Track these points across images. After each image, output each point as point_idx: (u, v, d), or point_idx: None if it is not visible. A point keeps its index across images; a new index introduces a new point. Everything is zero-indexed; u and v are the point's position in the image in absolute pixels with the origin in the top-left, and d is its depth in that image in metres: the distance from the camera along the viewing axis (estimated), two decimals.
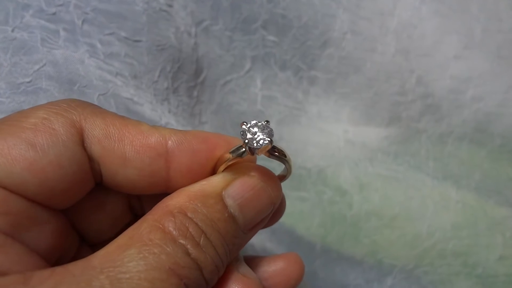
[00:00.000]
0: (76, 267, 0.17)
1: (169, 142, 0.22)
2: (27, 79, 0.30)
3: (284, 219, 0.40)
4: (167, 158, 0.22)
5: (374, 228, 0.42)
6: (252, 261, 0.26)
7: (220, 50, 0.41)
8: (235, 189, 0.21)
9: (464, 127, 0.45)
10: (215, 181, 0.21)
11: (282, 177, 0.24)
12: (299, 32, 0.42)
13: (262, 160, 0.23)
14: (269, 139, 0.20)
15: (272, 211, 0.23)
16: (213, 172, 0.23)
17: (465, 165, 0.45)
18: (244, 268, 0.23)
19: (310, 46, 0.43)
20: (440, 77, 0.44)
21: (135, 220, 0.25)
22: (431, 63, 0.44)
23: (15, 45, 0.30)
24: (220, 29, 0.40)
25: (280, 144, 0.23)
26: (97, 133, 0.21)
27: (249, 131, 0.20)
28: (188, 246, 0.19)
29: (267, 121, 0.21)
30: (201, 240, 0.19)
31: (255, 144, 0.20)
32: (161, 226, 0.19)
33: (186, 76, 0.39)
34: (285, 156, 0.22)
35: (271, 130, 0.21)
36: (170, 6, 0.37)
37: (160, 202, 0.21)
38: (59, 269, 0.17)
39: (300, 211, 0.42)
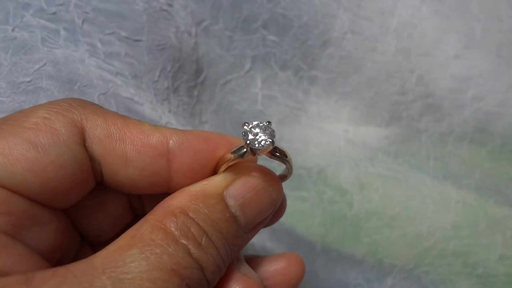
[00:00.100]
0: (78, 268, 0.17)
1: (171, 141, 0.22)
2: (28, 79, 0.30)
3: (284, 218, 0.40)
4: (168, 158, 0.22)
5: (374, 228, 0.42)
6: (253, 261, 0.26)
7: (220, 50, 0.41)
8: (236, 189, 0.21)
9: (464, 126, 0.45)
10: (217, 181, 0.22)
11: (283, 177, 0.24)
12: (299, 31, 0.42)
13: (263, 160, 0.23)
14: (270, 140, 0.20)
15: (273, 211, 0.23)
16: (214, 172, 0.23)
17: (466, 164, 0.45)
18: (245, 268, 0.23)
19: (311, 45, 0.43)
20: (440, 77, 0.44)
21: (136, 219, 0.24)
22: (432, 62, 0.44)
23: (16, 44, 0.30)
24: (220, 29, 0.40)
25: (281, 144, 0.23)
26: (98, 132, 0.21)
27: (250, 131, 0.20)
28: (190, 246, 0.19)
29: (269, 122, 0.21)
30: (203, 240, 0.19)
31: (256, 145, 0.20)
32: (163, 226, 0.19)
33: (187, 76, 0.39)
34: (286, 157, 0.22)
35: (273, 131, 0.21)
36: (171, 5, 0.37)
37: (161, 202, 0.21)
38: (60, 270, 0.17)
39: (301, 211, 0.42)
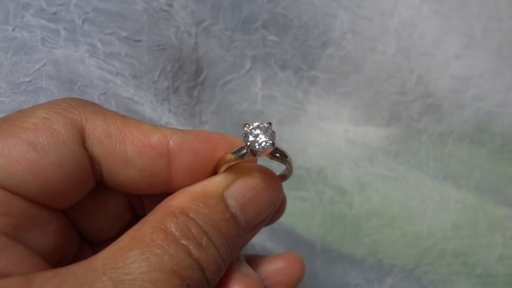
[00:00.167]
0: (78, 269, 0.17)
1: (171, 142, 0.22)
2: (28, 79, 0.30)
3: (284, 218, 0.40)
4: (168, 158, 0.22)
5: (374, 228, 0.42)
6: (253, 261, 0.26)
7: (220, 50, 0.41)
8: (236, 190, 0.21)
9: (464, 126, 0.45)
10: (217, 182, 0.22)
11: (283, 177, 0.24)
12: (299, 31, 0.42)
13: (263, 160, 0.23)
14: (271, 142, 0.20)
15: (273, 211, 0.23)
16: (215, 172, 0.23)
17: (466, 164, 0.45)
18: (246, 268, 0.23)
19: (311, 45, 0.43)
20: (440, 77, 0.44)
21: (135, 219, 0.24)
22: (432, 62, 0.44)
23: (16, 44, 0.30)
24: (220, 29, 0.40)
25: (280, 144, 0.23)
26: (98, 133, 0.21)
27: (251, 133, 0.20)
28: (190, 247, 0.19)
29: (270, 123, 0.21)
30: (203, 241, 0.19)
31: (257, 147, 0.20)
32: (163, 227, 0.19)
33: (187, 76, 0.39)
34: (287, 157, 0.22)
35: (273, 132, 0.21)
36: (171, 5, 0.37)
37: (161, 202, 0.21)
38: (61, 271, 0.17)
39: (300, 211, 0.42)
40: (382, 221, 0.42)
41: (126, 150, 0.21)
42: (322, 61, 0.43)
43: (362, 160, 0.44)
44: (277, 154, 0.21)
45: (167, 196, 0.21)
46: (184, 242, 0.19)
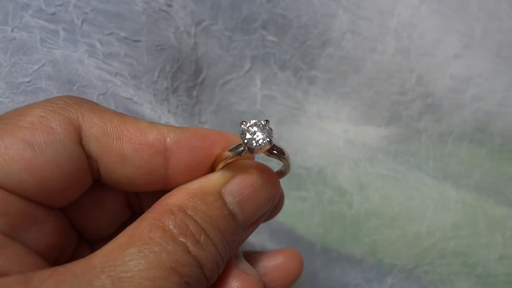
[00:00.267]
0: (77, 267, 0.17)
1: (168, 139, 0.22)
2: (27, 79, 0.30)
3: (284, 218, 0.40)
4: (165, 155, 0.22)
5: (374, 228, 0.42)
6: (251, 257, 0.26)
7: (219, 50, 0.41)
8: (234, 186, 0.21)
9: (464, 126, 0.45)
10: (214, 179, 0.22)
11: (281, 174, 0.24)
12: (298, 32, 0.42)
13: (260, 157, 0.23)
14: (268, 139, 0.20)
15: (271, 208, 0.23)
16: (212, 169, 0.23)
17: (465, 164, 0.45)
18: (244, 264, 0.23)
19: (310, 46, 0.43)
20: (440, 77, 0.44)
21: (133, 217, 0.24)
22: (431, 62, 0.44)
23: (15, 45, 0.30)
24: (219, 29, 0.40)
25: (280, 144, 0.23)
26: (95, 131, 0.21)
27: (248, 130, 0.20)
28: (189, 244, 0.19)
29: (267, 121, 0.21)
30: (201, 238, 0.19)
31: (254, 144, 0.20)
32: (161, 224, 0.19)
33: (186, 76, 0.39)
34: (284, 154, 0.22)
35: (271, 129, 0.21)
36: (170, 6, 0.37)
37: (159, 200, 0.21)
38: (60, 269, 0.17)
39: (300, 211, 0.42)
40: (381, 221, 0.42)
41: (123, 148, 0.21)
42: (321, 61, 0.43)
43: (361, 160, 0.44)
44: (274, 151, 0.21)
45: (164, 194, 0.21)
46: (182, 239, 0.19)
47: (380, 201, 0.43)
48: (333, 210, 0.42)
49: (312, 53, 0.43)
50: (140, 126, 0.21)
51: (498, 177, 0.45)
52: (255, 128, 0.20)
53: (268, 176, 0.22)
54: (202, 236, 0.19)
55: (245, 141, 0.20)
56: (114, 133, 0.21)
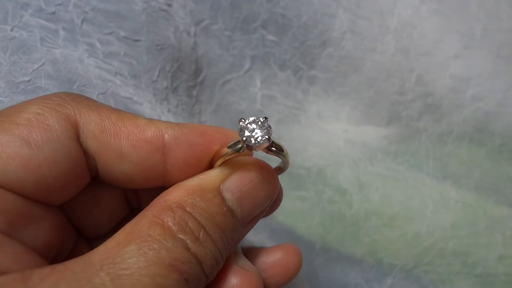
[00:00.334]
0: (76, 264, 0.17)
1: (166, 136, 0.21)
2: (26, 78, 0.30)
3: (283, 218, 0.40)
4: (163, 152, 0.21)
5: (374, 228, 0.42)
6: (250, 253, 0.26)
7: (219, 50, 0.41)
8: (233, 183, 0.21)
9: (464, 126, 0.45)
10: (213, 175, 0.21)
11: (279, 170, 0.24)
12: (298, 31, 0.42)
13: (259, 153, 0.23)
14: (267, 137, 0.20)
15: (270, 204, 0.23)
16: (210, 166, 0.23)
17: (465, 164, 0.45)
18: (243, 261, 0.23)
19: (310, 45, 0.43)
20: (440, 77, 0.44)
21: (132, 213, 0.24)
22: (431, 62, 0.44)
23: (14, 44, 0.30)
24: (219, 29, 0.40)
25: (278, 141, 0.23)
26: (93, 127, 0.21)
27: (247, 128, 0.20)
28: (188, 241, 0.19)
29: (266, 118, 0.21)
30: (200, 235, 0.19)
31: (253, 142, 0.20)
32: (160, 221, 0.19)
33: (186, 76, 0.39)
34: (283, 151, 0.22)
35: (269, 126, 0.20)
36: (170, 5, 0.37)
37: (158, 197, 0.21)
38: (59, 267, 0.17)
39: (300, 211, 0.42)
40: (381, 221, 0.42)
41: (121, 145, 0.21)
42: (321, 61, 0.43)
43: (361, 160, 0.44)
44: (273, 148, 0.21)
45: (163, 190, 0.21)
46: (181, 236, 0.19)
47: (380, 201, 0.43)
48: (333, 210, 0.42)
49: (312, 53, 0.43)
50: (138, 123, 0.21)
51: (498, 177, 0.45)
52: (253, 126, 0.20)
53: (266, 172, 0.22)
54: (201, 233, 0.19)
55: (244, 138, 0.20)
56: (112, 130, 0.21)
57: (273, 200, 0.23)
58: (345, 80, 0.44)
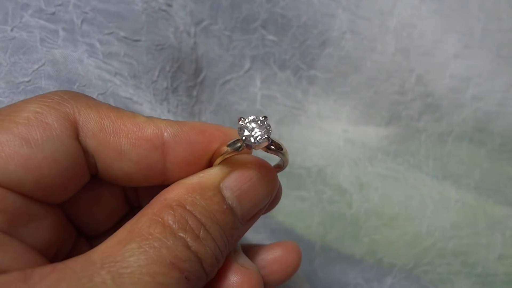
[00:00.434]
0: (76, 263, 0.17)
1: (165, 134, 0.21)
2: (26, 79, 0.30)
3: (283, 218, 0.40)
4: (163, 150, 0.21)
5: (373, 227, 0.42)
6: (250, 250, 0.26)
7: (219, 50, 0.41)
8: (232, 181, 0.21)
9: (464, 126, 0.45)
10: (213, 173, 0.21)
11: (279, 168, 0.24)
12: (298, 31, 0.42)
13: (258, 151, 0.23)
14: (266, 136, 0.20)
15: (269, 202, 0.23)
16: (210, 164, 0.23)
17: (465, 164, 0.45)
18: (243, 259, 0.23)
19: (310, 45, 0.43)
20: (440, 76, 0.44)
21: (131, 211, 0.24)
22: (431, 62, 0.44)
23: (14, 44, 0.30)
24: (219, 29, 0.41)
25: (277, 139, 0.23)
26: (92, 126, 0.21)
27: (246, 127, 0.20)
28: (188, 239, 0.19)
29: (265, 117, 0.21)
30: (201, 233, 0.19)
31: (252, 141, 0.20)
32: (160, 219, 0.19)
33: (186, 76, 0.39)
34: (282, 150, 0.22)
35: (269, 126, 0.21)
36: (170, 5, 0.37)
37: (158, 195, 0.21)
38: (59, 266, 0.17)
39: (300, 211, 0.42)
40: (381, 221, 0.42)
41: (121, 143, 0.21)
42: (321, 61, 0.43)
43: (361, 159, 0.44)
44: (272, 147, 0.21)
45: (163, 188, 0.21)
46: (181, 234, 0.19)
47: (380, 201, 0.43)
48: (333, 210, 0.42)
49: (311, 53, 0.43)
50: (137, 121, 0.21)
51: (498, 177, 0.45)
52: (253, 125, 0.20)
53: (266, 170, 0.22)
54: (201, 231, 0.19)
55: (243, 137, 0.20)
56: (111, 128, 0.21)
57: (272, 198, 0.23)
58: (345, 80, 0.44)
